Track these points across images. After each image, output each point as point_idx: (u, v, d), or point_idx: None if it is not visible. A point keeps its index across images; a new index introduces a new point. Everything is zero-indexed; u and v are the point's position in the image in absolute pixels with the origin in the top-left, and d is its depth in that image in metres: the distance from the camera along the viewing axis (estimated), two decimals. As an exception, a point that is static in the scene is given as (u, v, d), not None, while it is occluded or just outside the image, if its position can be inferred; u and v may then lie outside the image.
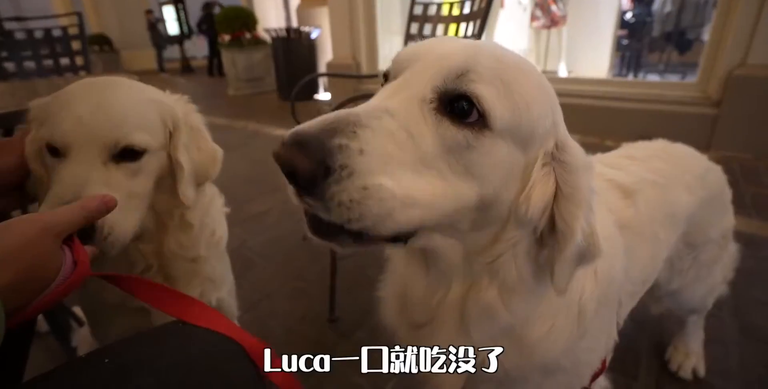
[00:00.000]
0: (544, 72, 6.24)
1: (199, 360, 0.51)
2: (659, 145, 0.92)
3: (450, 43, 0.44)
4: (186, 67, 10.27)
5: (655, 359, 1.30)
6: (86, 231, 0.58)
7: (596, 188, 0.45)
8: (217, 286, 0.86)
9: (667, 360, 1.27)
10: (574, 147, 0.45)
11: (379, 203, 0.34)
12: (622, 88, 3.53)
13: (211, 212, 0.84)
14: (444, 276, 0.49)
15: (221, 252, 0.90)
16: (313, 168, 0.31)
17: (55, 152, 0.63)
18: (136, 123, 0.65)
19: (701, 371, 1.23)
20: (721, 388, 1.20)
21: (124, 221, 0.64)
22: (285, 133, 0.34)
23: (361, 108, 0.37)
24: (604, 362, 0.65)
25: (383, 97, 0.41)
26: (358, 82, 4.67)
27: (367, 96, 0.46)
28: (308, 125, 0.34)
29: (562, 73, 5.45)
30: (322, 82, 5.51)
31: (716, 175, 0.91)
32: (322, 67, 5.50)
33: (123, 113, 0.64)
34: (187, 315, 0.56)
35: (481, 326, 0.49)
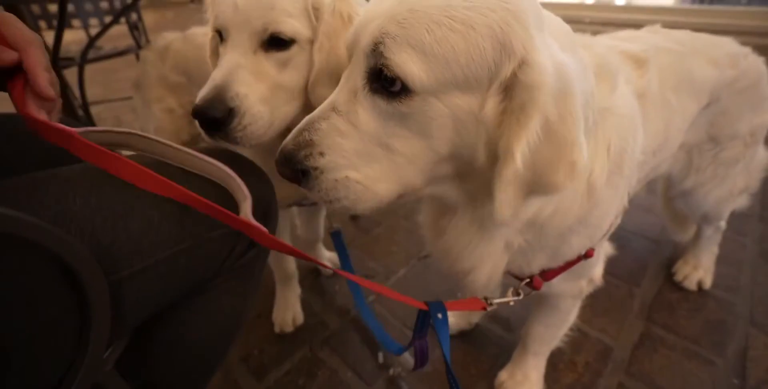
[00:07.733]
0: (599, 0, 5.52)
1: None
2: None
3: (372, 8, 0.44)
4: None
5: (662, 272, 1.31)
6: (223, 117, 0.59)
7: (581, 110, 0.41)
8: None
9: (673, 272, 1.28)
10: (540, 64, 0.39)
11: (348, 189, 0.45)
12: (691, 18, 3.15)
13: None
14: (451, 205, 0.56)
15: None
16: (297, 176, 0.45)
17: (222, 37, 0.65)
18: (285, 9, 0.62)
19: (707, 284, 1.23)
20: (723, 300, 1.20)
21: (267, 115, 0.62)
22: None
23: (318, 109, 0.45)
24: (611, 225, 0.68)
25: (337, 89, 0.46)
26: None
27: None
28: (286, 143, 0.45)
29: (619, 0, 4.89)
30: None
31: (755, 63, 0.85)
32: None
33: None
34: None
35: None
